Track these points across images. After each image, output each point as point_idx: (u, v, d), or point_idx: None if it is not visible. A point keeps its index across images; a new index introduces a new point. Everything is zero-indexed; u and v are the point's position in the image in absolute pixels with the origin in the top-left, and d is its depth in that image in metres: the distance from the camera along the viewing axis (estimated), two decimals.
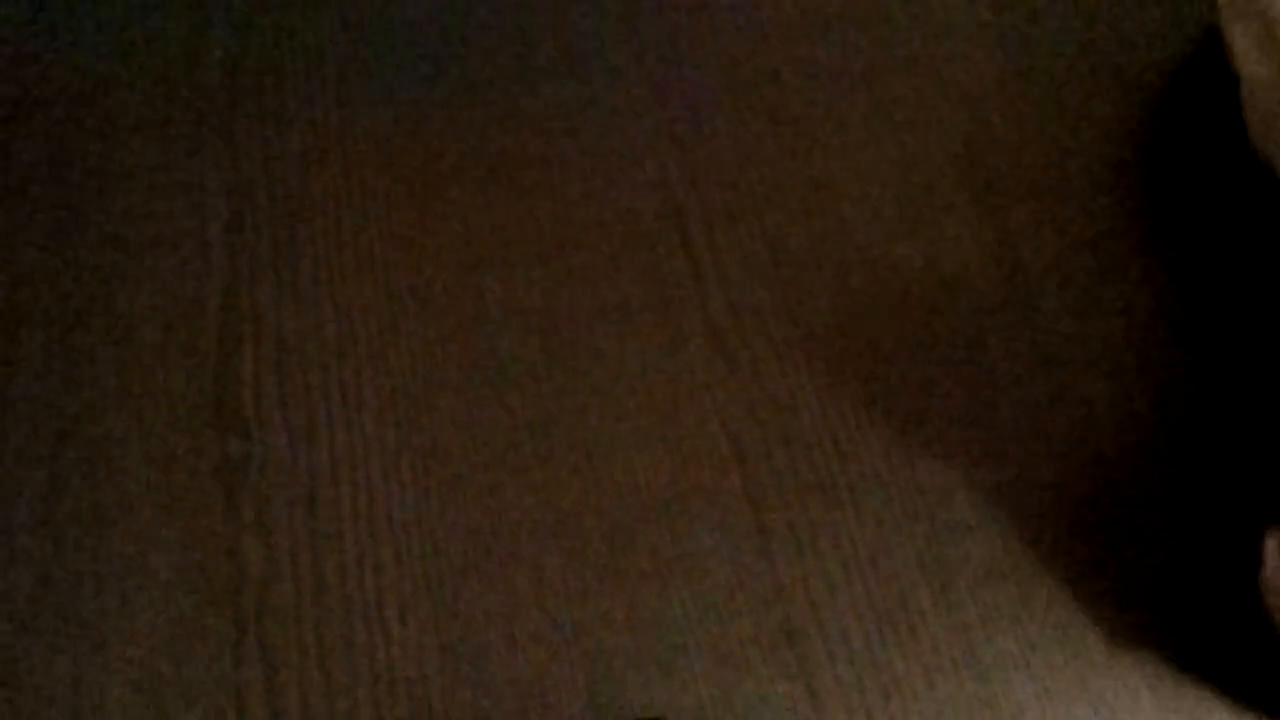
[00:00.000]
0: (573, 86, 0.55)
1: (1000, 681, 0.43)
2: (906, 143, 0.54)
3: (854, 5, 0.57)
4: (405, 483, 0.46)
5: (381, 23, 0.57)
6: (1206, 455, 0.46)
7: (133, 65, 0.56)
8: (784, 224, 0.52)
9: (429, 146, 0.54)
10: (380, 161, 0.53)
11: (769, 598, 0.44)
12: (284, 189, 0.52)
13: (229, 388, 0.48)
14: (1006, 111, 0.54)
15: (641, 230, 0.52)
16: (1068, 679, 0.43)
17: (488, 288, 0.50)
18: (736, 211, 0.52)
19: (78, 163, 0.53)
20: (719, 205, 0.52)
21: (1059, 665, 0.43)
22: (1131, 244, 0.51)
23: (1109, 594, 0.44)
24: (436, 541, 0.45)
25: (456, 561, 0.45)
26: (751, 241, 0.51)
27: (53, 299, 0.50)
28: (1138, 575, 0.44)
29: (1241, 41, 0.46)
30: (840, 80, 0.55)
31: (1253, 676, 0.42)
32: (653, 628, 0.44)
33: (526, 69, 0.56)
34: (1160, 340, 0.49)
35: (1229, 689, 0.42)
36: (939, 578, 0.45)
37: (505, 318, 0.50)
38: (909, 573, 0.45)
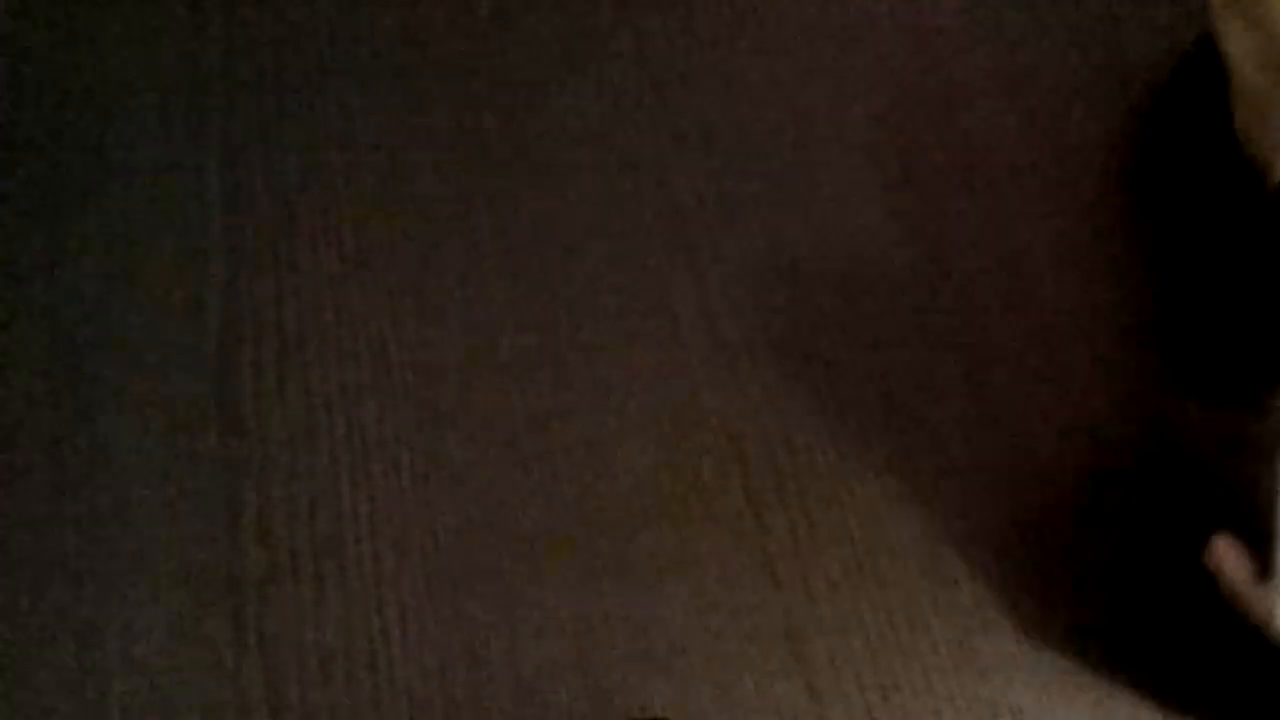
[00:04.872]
0: (574, 87, 0.55)
1: (1000, 682, 0.43)
2: (906, 143, 0.54)
3: (852, 10, 0.57)
4: (405, 483, 0.46)
5: (382, 24, 0.57)
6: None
7: (133, 65, 0.55)
8: (784, 224, 0.52)
9: (429, 147, 0.54)
10: (380, 162, 0.53)
11: (769, 597, 0.44)
12: (284, 188, 0.52)
13: (229, 388, 0.48)
14: (1006, 111, 0.54)
15: (642, 230, 0.51)
16: (1068, 680, 0.43)
17: (489, 287, 0.50)
18: (737, 211, 0.52)
19: (77, 162, 0.53)
20: (719, 205, 0.52)
21: (1059, 666, 0.43)
22: (1128, 246, 0.51)
23: (1111, 595, 0.44)
24: (436, 541, 0.45)
25: (456, 561, 0.45)
26: (751, 241, 0.51)
27: (52, 299, 0.50)
28: (1142, 576, 0.44)
29: (1231, 36, 0.46)
30: (840, 82, 0.55)
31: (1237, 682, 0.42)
32: (653, 628, 0.44)
33: (528, 69, 0.56)
34: (1156, 341, 0.49)
35: (1227, 691, 0.42)
36: (939, 578, 0.45)
37: (506, 317, 0.50)
38: (909, 573, 0.45)
